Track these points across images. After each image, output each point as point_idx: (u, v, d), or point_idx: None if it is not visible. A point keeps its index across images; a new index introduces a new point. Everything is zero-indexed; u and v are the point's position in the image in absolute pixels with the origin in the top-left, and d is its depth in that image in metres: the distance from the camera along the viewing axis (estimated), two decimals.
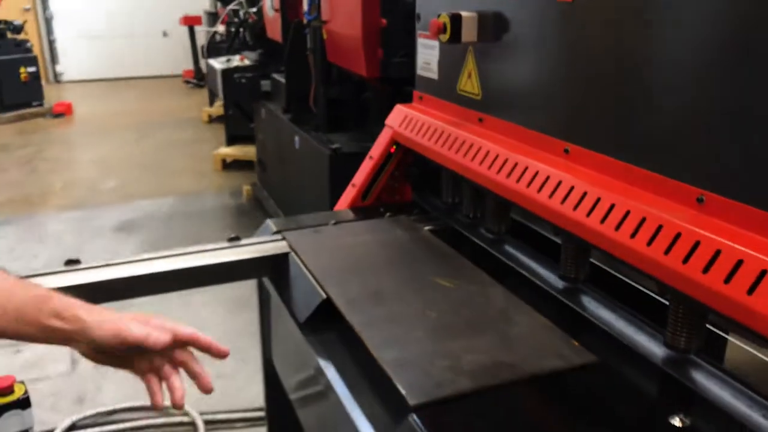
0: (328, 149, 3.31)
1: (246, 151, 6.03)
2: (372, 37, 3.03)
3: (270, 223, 1.73)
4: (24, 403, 1.27)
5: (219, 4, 7.97)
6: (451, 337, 1.19)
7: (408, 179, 1.96)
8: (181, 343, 1.14)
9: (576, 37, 1.25)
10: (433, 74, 1.76)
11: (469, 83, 1.59)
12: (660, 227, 1.00)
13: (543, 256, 1.46)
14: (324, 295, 1.35)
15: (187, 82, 11.09)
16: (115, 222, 5.02)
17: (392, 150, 1.89)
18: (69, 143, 7.75)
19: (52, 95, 9.71)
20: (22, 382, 1.29)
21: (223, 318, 3.52)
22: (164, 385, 1.14)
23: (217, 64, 4.90)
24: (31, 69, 8.93)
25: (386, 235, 1.66)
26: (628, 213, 1.06)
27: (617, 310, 1.23)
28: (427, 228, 1.73)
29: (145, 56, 11.90)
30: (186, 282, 1.55)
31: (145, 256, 1.54)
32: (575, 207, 1.16)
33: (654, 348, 1.12)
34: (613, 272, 1.37)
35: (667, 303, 1.09)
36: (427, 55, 1.78)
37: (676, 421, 0.95)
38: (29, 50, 9.07)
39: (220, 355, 1.15)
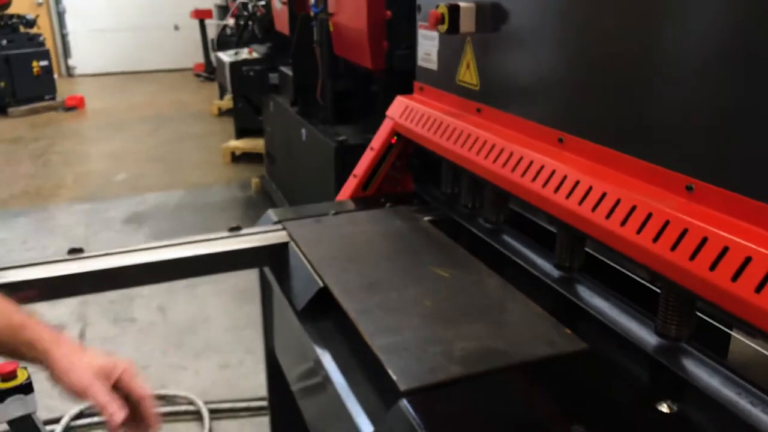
0: (334, 141, 3.33)
1: (255, 144, 6.05)
2: (377, 29, 3.03)
3: (271, 213, 1.75)
4: (27, 388, 1.30)
5: None
6: (445, 324, 1.20)
7: (409, 170, 1.97)
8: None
9: (571, 28, 1.25)
10: (433, 65, 1.77)
11: (468, 74, 1.59)
12: (649, 215, 1.00)
13: (539, 245, 1.47)
14: (321, 284, 1.37)
15: (198, 75, 11.13)
16: (124, 214, 5.07)
17: (393, 141, 1.90)
18: (81, 136, 7.81)
19: (64, 89, 9.79)
20: (25, 368, 1.31)
21: (229, 309, 3.55)
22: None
23: (226, 57, 4.92)
24: (44, 63, 9.00)
25: (385, 226, 1.68)
26: (618, 201, 1.06)
27: (611, 298, 1.24)
28: (426, 218, 1.74)
29: (157, 50, 11.95)
30: (186, 271, 1.57)
31: (146, 245, 1.55)
32: (568, 196, 1.16)
33: (645, 336, 1.13)
34: (607, 261, 1.38)
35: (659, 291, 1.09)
36: (427, 46, 1.78)
37: (664, 408, 0.96)
38: (42, 44, 9.14)
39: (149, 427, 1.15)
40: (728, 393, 0.97)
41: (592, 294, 1.27)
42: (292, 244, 1.57)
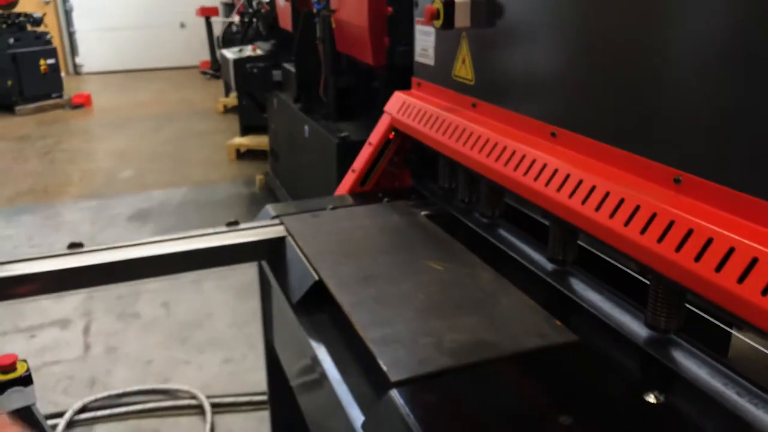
0: (336, 137, 3.34)
1: (259, 141, 6.08)
2: (378, 25, 3.04)
3: (269, 208, 1.76)
4: (26, 380, 1.31)
5: None
6: (438, 317, 1.21)
7: (407, 165, 1.98)
8: None
9: (563, 24, 1.26)
10: (430, 60, 1.78)
11: (464, 69, 1.60)
12: (637, 207, 1.01)
13: (534, 239, 1.48)
14: (316, 277, 1.38)
15: (204, 73, 11.17)
16: (130, 211, 5.10)
17: (391, 136, 1.91)
18: (87, 134, 7.85)
19: (71, 87, 9.85)
20: (25, 361, 1.33)
21: (233, 304, 3.57)
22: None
23: (230, 54, 4.94)
24: (51, 61, 9.05)
25: (382, 220, 1.69)
26: (607, 194, 1.07)
27: (603, 291, 1.25)
28: (423, 213, 1.75)
29: (163, 48, 12.00)
30: (185, 265, 1.59)
31: (145, 239, 1.57)
32: (558, 189, 1.17)
33: (636, 328, 1.13)
34: (601, 255, 1.39)
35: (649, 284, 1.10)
36: (424, 42, 1.79)
37: (651, 398, 0.96)
38: (49, 42, 9.19)
39: None
40: (715, 384, 0.98)
41: (585, 287, 1.28)
42: (289, 238, 1.59)
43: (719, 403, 0.94)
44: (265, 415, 2.57)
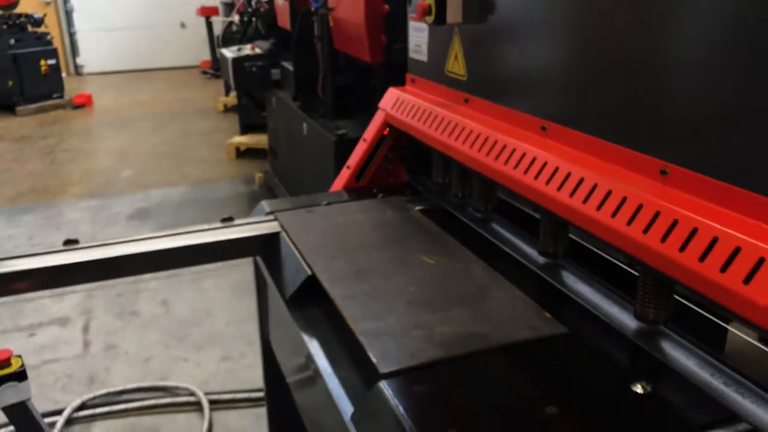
0: (334, 135, 3.35)
1: (259, 140, 6.09)
2: (375, 23, 3.05)
3: (264, 204, 1.77)
4: (20, 375, 1.32)
5: None
6: (429, 310, 1.22)
7: (402, 161, 1.99)
8: None
9: (553, 19, 1.26)
10: (423, 57, 1.78)
11: (456, 65, 1.61)
12: (624, 199, 1.02)
13: (526, 233, 1.48)
14: (309, 272, 1.39)
15: (205, 72, 11.18)
16: (130, 210, 5.11)
17: (386, 132, 1.91)
18: (88, 134, 7.87)
19: (72, 87, 9.86)
20: (19, 356, 1.34)
21: (231, 302, 3.58)
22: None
23: (229, 53, 4.95)
24: (51, 61, 9.07)
25: (376, 216, 1.69)
26: (595, 186, 1.08)
27: (594, 284, 1.26)
28: (417, 208, 1.75)
29: (164, 48, 12.01)
30: (179, 260, 1.59)
31: (140, 236, 1.58)
32: (547, 182, 1.18)
33: (626, 320, 1.14)
34: (591, 248, 1.39)
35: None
36: (418, 38, 1.80)
37: (638, 389, 0.97)
38: (49, 43, 9.20)
39: None
40: (703, 374, 0.99)
41: (576, 280, 1.29)
42: (283, 234, 1.59)
43: (706, 393, 0.95)
44: (262, 411, 2.58)
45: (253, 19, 5.82)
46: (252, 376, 2.87)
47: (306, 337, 1.27)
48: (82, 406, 2.71)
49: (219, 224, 1.65)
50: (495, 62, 1.47)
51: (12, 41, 8.65)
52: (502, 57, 1.44)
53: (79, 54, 12.00)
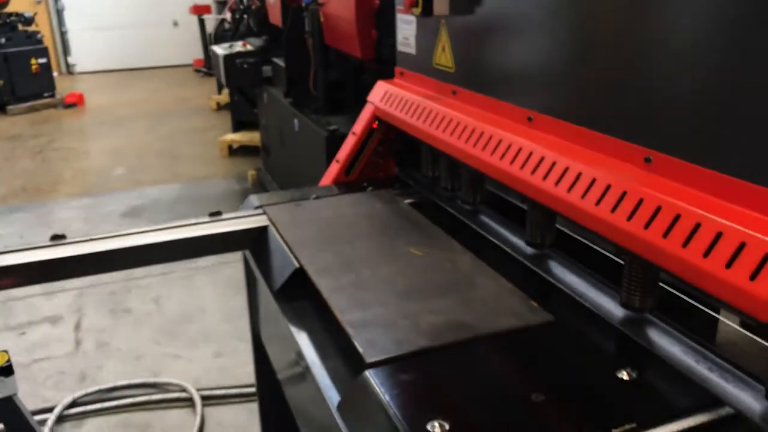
0: (326, 131, 3.34)
1: (252, 137, 6.08)
2: (365, 18, 3.04)
3: (252, 198, 1.77)
4: (7, 370, 1.32)
5: None
6: (416, 300, 1.21)
7: (392, 154, 1.98)
8: None
9: (539, 10, 1.26)
10: (411, 49, 1.78)
11: (444, 57, 1.61)
12: (608, 187, 1.02)
13: (514, 224, 1.48)
14: (297, 265, 1.39)
15: (198, 71, 11.16)
16: (122, 208, 5.10)
17: (375, 125, 1.91)
18: (80, 133, 7.84)
19: (64, 86, 9.83)
20: (6, 351, 1.33)
21: (224, 299, 3.58)
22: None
23: (220, 50, 4.94)
24: (42, 60, 9.04)
25: (365, 209, 1.69)
26: (579, 175, 1.08)
27: (580, 273, 1.26)
28: (407, 201, 1.75)
29: (156, 46, 11.97)
30: (167, 255, 1.59)
31: (127, 230, 1.58)
32: (533, 172, 1.18)
33: (612, 308, 1.14)
34: (578, 238, 1.39)
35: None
36: (406, 31, 1.80)
37: (624, 375, 0.97)
38: (40, 42, 9.17)
39: None
40: (687, 360, 0.99)
41: (563, 269, 1.29)
42: (271, 227, 1.59)
43: (691, 378, 0.95)
44: (254, 406, 2.59)
45: (245, 16, 5.81)
46: (244, 372, 2.86)
47: (294, 329, 1.27)
48: (74, 404, 2.71)
49: (207, 219, 1.64)
50: (482, 54, 1.47)
51: (2, 40, 8.62)
52: (489, 48, 1.44)
53: (71, 53, 11.95)
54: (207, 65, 10.30)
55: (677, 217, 0.90)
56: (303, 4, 3.67)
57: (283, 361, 1.45)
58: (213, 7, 10.01)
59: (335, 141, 3.28)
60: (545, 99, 1.26)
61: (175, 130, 7.52)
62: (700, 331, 1.07)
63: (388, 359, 1.04)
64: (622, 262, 1.24)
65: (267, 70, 4.73)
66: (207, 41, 9.61)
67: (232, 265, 3.73)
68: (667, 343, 1.03)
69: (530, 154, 1.20)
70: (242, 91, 5.61)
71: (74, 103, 9.05)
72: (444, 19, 1.57)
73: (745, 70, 0.85)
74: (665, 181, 0.97)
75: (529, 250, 1.38)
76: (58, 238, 1.56)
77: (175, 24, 11.99)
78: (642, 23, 1.01)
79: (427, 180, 1.85)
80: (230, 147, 6.41)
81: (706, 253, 0.84)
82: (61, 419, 2.63)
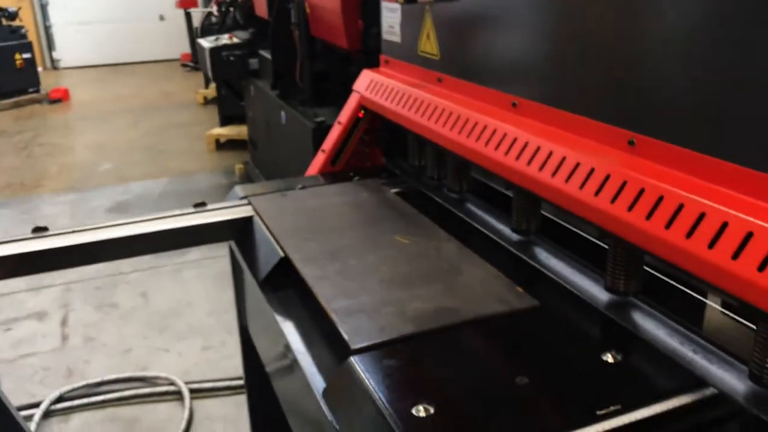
0: (313, 123, 3.33)
1: (239, 131, 6.05)
2: (351, 9, 3.03)
3: (237, 189, 1.75)
4: None
5: None
6: (401, 287, 1.21)
7: (378, 144, 1.98)
8: None
9: None
10: (396, 37, 1.77)
11: (428, 44, 1.60)
12: (592, 170, 1.02)
13: (500, 212, 1.48)
14: (282, 254, 1.38)
15: (185, 65, 11.09)
16: (109, 203, 5.07)
17: (360, 115, 1.90)
18: (65, 128, 7.77)
19: (49, 82, 9.74)
20: None
21: (212, 293, 3.56)
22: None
23: (206, 43, 4.91)
24: (27, 55, 8.95)
25: (351, 198, 1.68)
26: (563, 159, 1.08)
27: (566, 259, 1.26)
28: (394, 191, 1.75)
29: (143, 41, 11.88)
30: (151, 246, 1.57)
31: (112, 222, 1.56)
32: (517, 157, 1.17)
33: (597, 292, 1.14)
34: (564, 224, 1.39)
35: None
36: (391, 19, 1.79)
37: (609, 358, 0.97)
38: (24, 36, 9.08)
39: None
40: (672, 342, 0.99)
41: (548, 255, 1.29)
42: (256, 217, 1.58)
43: (674, 360, 0.95)
44: (243, 399, 2.58)
45: (231, 9, 5.77)
46: (233, 365, 2.85)
47: (280, 319, 1.26)
48: (60, 399, 2.69)
49: (192, 209, 1.63)
50: (466, 40, 1.46)
51: None
52: (474, 35, 1.43)
53: (55, 48, 11.84)
54: (194, 60, 10.23)
55: (660, 199, 0.90)
56: None
57: (270, 351, 1.44)
58: (199, 0, 9.93)
59: (322, 133, 3.26)
60: (529, 85, 1.25)
61: (161, 125, 7.47)
62: (684, 314, 1.07)
63: (374, 345, 1.03)
64: (605, 246, 1.25)
65: (253, 62, 4.71)
66: (193, 35, 9.56)
67: (219, 259, 3.72)
68: (651, 326, 1.04)
69: (515, 139, 1.20)
70: (229, 85, 5.58)
71: (59, 99, 8.97)
72: (428, 6, 1.56)
73: (726, 52, 0.85)
74: (648, 163, 0.97)
75: (515, 236, 1.38)
76: (40, 231, 1.54)
77: (162, 18, 11.91)
78: (624, 7, 1.01)
79: (413, 169, 1.85)
80: (217, 141, 6.37)
81: (689, 234, 0.84)
82: (47, 414, 2.61)
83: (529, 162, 1.14)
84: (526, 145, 1.17)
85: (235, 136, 6.21)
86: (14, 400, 1.42)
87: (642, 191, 0.93)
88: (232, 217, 1.61)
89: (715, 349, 0.95)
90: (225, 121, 6.45)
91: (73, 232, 1.53)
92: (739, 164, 0.84)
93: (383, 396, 0.89)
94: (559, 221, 1.42)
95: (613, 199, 0.96)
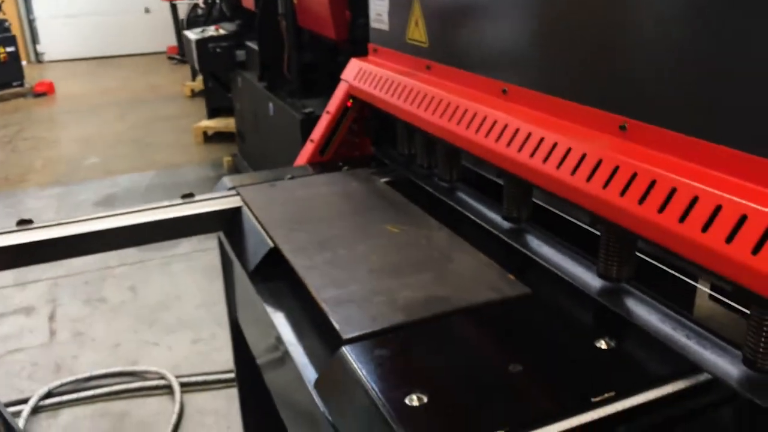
0: (301, 114, 3.31)
1: (227, 123, 6.01)
2: None
3: (225, 180, 1.74)
4: None
5: None
6: (392, 276, 1.20)
7: (367, 133, 1.96)
8: None
9: None
10: (385, 25, 1.76)
11: (417, 31, 1.58)
12: (584, 156, 1.01)
13: (491, 200, 1.47)
14: (271, 245, 1.36)
15: (171, 58, 10.99)
16: (96, 197, 5.02)
17: (349, 104, 1.88)
18: (51, 122, 7.69)
19: (33, 75, 9.63)
20: None
21: (201, 285, 3.54)
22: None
23: (192, 35, 4.87)
24: (10, 49, 8.85)
25: (341, 188, 1.67)
26: (555, 145, 1.07)
27: (557, 246, 1.25)
28: (383, 180, 1.73)
29: (128, 34, 11.76)
30: (139, 238, 1.55)
31: (98, 213, 1.54)
32: (508, 144, 1.16)
33: (589, 279, 1.14)
34: (555, 211, 1.39)
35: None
36: (378, 6, 1.77)
37: (602, 344, 0.96)
38: (7, 30, 8.97)
39: None
40: (665, 328, 0.99)
41: (540, 243, 1.28)
42: (245, 208, 1.56)
43: (668, 345, 0.95)
44: (234, 392, 2.57)
45: (217, 1, 5.72)
46: (223, 358, 2.84)
47: (270, 309, 1.25)
48: (49, 394, 2.66)
49: (180, 201, 1.61)
50: (455, 27, 1.45)
51: None
52: (463, 22, 1.42)
53: (39, 41, 11.70)
54: (180, 52, 10.14)
55: (653, 183, 0.89)
56: None
57: (260, 342, 1.43)
58: None
59: (310, 124, 3.23)
60: (519, 71, 1.24)
61: (148, 118, 7.41)
62: (678, 299, 1.07)
63: (365, 335, 1.02)
64: (598, 233, 1.24)
65: (240, 54, 4.67)
66: (180, 27, 9.47)
67: (209, 252, 3.70)
68: (644, 312, 1.03)
69: (505, 126, 1.19)
70: (216, 77, 5.54)
71: (44, 92, 8.87)
72: None
73: (717, 36, 0.84)
74: (640, 148, 0.96)
75: (506, 224, 1.37)
76: (25, 223, 1.51)
77: (147, 11, 11.79)
78: None
79: (403, 158, 1.83)
80: (205, 134, 6.33)
81: (682, 218, 0.83)
82: (36, 410, 2.59)
83: (520, 148, 1.13)
84: (517, 131, 1.16)
85: (222, 128, 6.16)
86: (2, 396, 1.41)
87: (634, 175, 0.92)
88: (220, 208, 1.59)
89: (709, 334, 0.95)
90: (212, 114, 6.41)
91: (59, 224, 1.50)
92: (732, 148, 0.83)
93: (376, 386, 0.88)
94: (550, 208, 1.41)
95: (606, 184, 0.95)
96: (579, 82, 1.09)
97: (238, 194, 1.63)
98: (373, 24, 1.83)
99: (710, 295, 1.15)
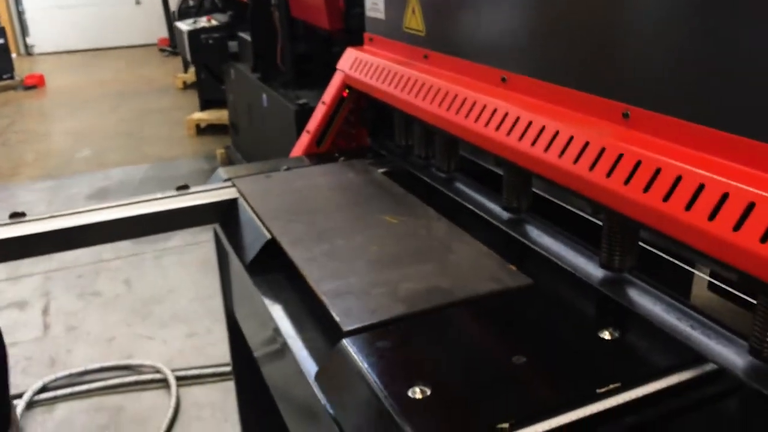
0: (295, 105, 3.28)
1: (220, 115, 5.97)
2: None
3: (221, 171, 1.72)
4: None
5: None
6: (392, 267, 1.19)
7: (363, 124, 1.94)
8: None
9: None
10: (381, 14, 1.74)
11: (414, 20, 1.56)
12: (586, 144, 0.99)
13: (490, 190, 1.46)
14: (269, 236, 1.35)
15: (163, 50, 10.92)
16: (88, 190, 4.98)
17: (345, 94, 1.86)
18: (42, 115, 7.63)
19: (23, 68, 9.55)
20: None
21: (196, 278, 3.52)
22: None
23: (184, 26, 4.83)
24: None
25: (338, 179, 1.65)
26: (557, 133, 1.05)
27: (558, 236, 1.24)
28: (381, 171, 1.72)
29: (119, 26, 11.66)
30: (133, 230, 1.53)
31: (93, 206, 1.52)
32: (509, 132, 1.15)
33: (591, 269, 1.13)
34: (556, 201, 1.38)
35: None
36: None
37: (606, 335, 0.95)
38: None
39: None
40: (669, 318, 0.98)
41: (540, 233, 1.27)
42: (241, 199, 1.54)
43: (672, 336, 0.94)
44: (230, 385, 2.55)
45: None
46: (219, 351, 2.82)
47: (268, 302, 1.23)
48: (44, 389, 2.64)
49: (174, 192, 1.59)
50: (453, 15, 1.43)
51: None
52: (461, 9, 1.40)
53: (29, 33, 11.59)
54: (172, 44, 10.07)
55: (657, 171, 0.87)
56: None
57: (258, 336, 1.41)
58: None
59: (305, 115, 3.21)
60: (519, 59, 1.23)
61: (140, 110, 7.36)
62: (681, 289, 1.06)
63: (366, 327, 1.01)
64: (600, 223, 1.23)
65: (233, 45, 4.63)
66: (171, 19, 9.40)
67: (204, 245, 3.68)
68: (648, 302, 1.02)
69: (505, 114, 1.17)
70: (209, 68, 5.50)
71: (35, 85, 8.80)
72: None
73: (719, 21, 0.83)
74: (644, 135, 0.95)
75: (505, 215, 1.36)
76: (17, 216, 1.49)
77: (138, 2, 11.69)
78: None
79: (400, 149, 1.82)
80: (198, 126, 6.28)
81: (689, 206, 0.82)
82: (31, 405, 2.57)
83: (521, 137, 1.12)
84: (517, 120, 1.14)
85: (215, 120, 6.12)
86: None
87: (638, 164, 0.91)
88: (216, 200, 1.57)
89: (713, 324, 0.94)
90: (205, 106, 6.36)
91: (52, 217, 1.48)
92: (738, 134, 0.82)
93: (378, 378, 0.87)
94: (551, 198, 1.40)
95: (609, 173, 0.94)
96: (580, 70, 1.07)
97: (233, 186, 1.61)
98: (369, 13, 1.81)
99: (709, 285, 1.15)
